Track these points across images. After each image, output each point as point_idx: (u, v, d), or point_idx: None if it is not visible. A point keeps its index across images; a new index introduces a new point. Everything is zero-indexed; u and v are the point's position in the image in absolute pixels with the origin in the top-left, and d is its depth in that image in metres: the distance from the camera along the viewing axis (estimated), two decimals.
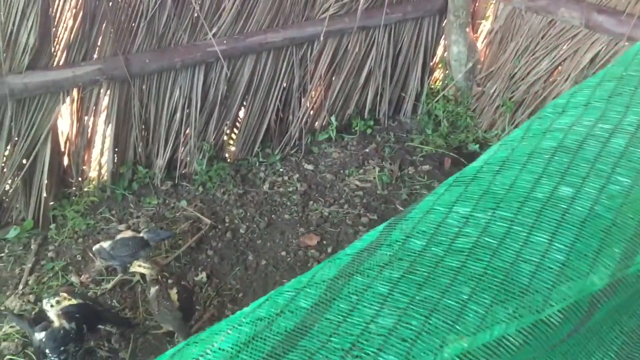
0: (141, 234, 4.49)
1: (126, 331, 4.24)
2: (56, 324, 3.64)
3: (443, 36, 6.72)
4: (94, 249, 4.53)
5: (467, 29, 6.44)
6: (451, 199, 1.37)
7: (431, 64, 6.84)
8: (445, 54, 6.75)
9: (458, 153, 6.24)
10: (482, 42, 6.67)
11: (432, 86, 7.00)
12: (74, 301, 3.73)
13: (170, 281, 4.05)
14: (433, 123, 6.65)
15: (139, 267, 4.10)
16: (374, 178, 5.86)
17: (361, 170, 6.01)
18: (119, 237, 4.45)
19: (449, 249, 1.24)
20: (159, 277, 4.03)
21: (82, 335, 3.75)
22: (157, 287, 4.01)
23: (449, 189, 1.42)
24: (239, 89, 5.73)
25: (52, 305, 3.62)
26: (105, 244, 4.45)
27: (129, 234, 4.50)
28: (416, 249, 1.25)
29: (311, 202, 5.59)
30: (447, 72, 6.78)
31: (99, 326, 4.04)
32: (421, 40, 6.57)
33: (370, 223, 5.27)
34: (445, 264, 1.20)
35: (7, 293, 4.61)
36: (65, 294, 3.66)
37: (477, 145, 6.33)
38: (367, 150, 6.31)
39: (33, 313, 4.27)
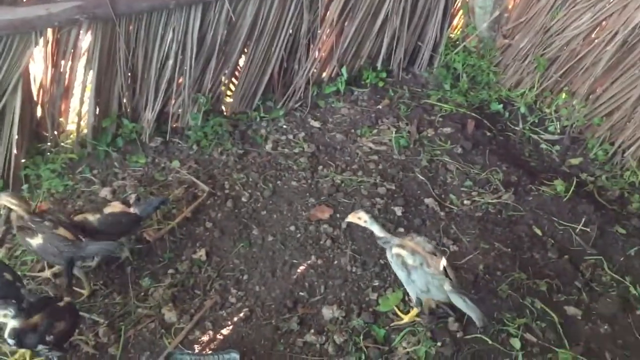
0: (132, 209, 3.85)
1: (115, 322, 3.67)
2: None
3: None
4: (75, 219, 3.85)
5: None
6: None
7: (452, 10, 6.10)
8: None
9: (479, 113, 5.64)
10: None
11: (452, 35, 6.29)
12: None
13: (48, 223, 3.59)
14: (451, 77, 6.00)
15: (7, 202, 3.63)
16: (390, 140, 5.24)
17: (375, 130, 5.38)
18: (107, 211, 3.80)
19: None
20: (31, 224, 3.58)
21: None
22: (39, 235, 3.55)
23: None
24: (241, 33, 4.96)
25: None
26: (91, 217, 3.80)
27: (118, 207, 3.85)
28: None
29: (320, 167, 4.97)
30: (469, 20, 6.07)
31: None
32: None
33: (388, 194, 4.70)
34: None
35: None
36: None
37: (501, 105, 5.74)
38: (379, 106, 5.66)
39: None
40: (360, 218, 3.66)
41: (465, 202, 4.69)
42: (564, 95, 5.58)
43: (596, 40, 5.19)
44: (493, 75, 5.97)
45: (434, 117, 5.57)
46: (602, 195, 4.87)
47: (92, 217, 3.77)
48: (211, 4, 4.69)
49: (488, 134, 5.39)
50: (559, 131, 5.47)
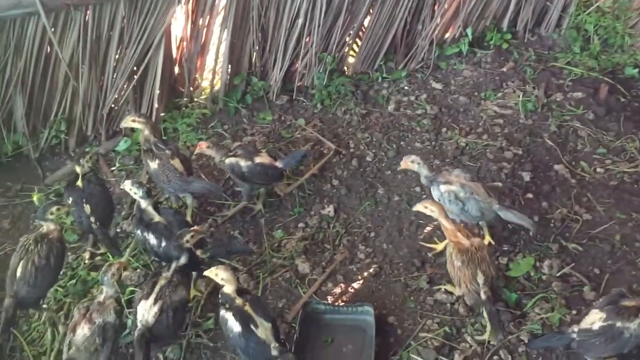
0: (277, 163, 4.00)
1: (253, 270, 3.87)
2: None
3: None
4: (226, 161, 4.02)
5: None
6: None
7: None
8: None
9: (612, 78, 5.35)
10: None
11: None
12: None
13: (168, 152, 3.83)
14: (582, 40, 5.70)
15: (133, 122, 3.89)
16: (516, 104, 5.10)
17: (499, 94, 5.24)
18: (257, 160, 3.97)
19: None
20: (154, 148, 3.85)
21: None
22: (157, 160, 3.82)
23: None
24: None
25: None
26: (243, 162, 3.97)
27: (267, 160, 4.01)
28: None
29: (444, 129, 4.92)
30: None
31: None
32: None
33: (515, 158, 4.60)
34: None
35: (122, 213, 4.29)
36: None
37: (636, 70, 5.40)
38: (504, 69, 5.49)
39: None
40: (413, 162, 3.77)
41: (598, 170, 4.51)
42: None
43: None
44: (628, 38, 5.62)
45: (562, 81, 5.34)
46: None
47: (243, 163, 3.95)
48: None
49: (622, 99, 5.12)
50: None
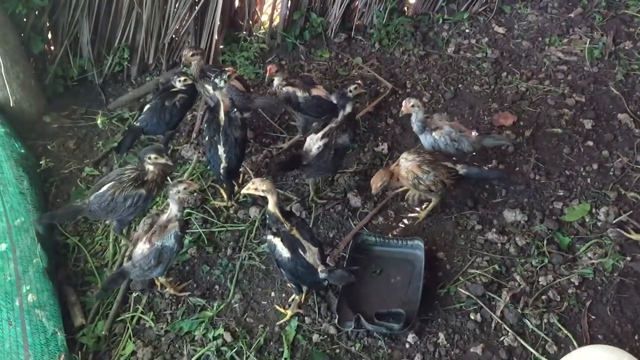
0: (332, 97, 4.00)
1: (306, 200, 3.94)
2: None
3: None
4: (283, 90, 4.02)
5: None
6: None
7: None
8: None
9: None
10: None
11: None
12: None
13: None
14: None
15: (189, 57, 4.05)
16: (581, 51, 4.93)
17: (565, 40, 5.07)
18: (314, 92, 3.98)
19: None
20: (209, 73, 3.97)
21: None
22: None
23: None
24: None
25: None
26: (299, 93, 3.99)
27: (323, 92, 4.02)
28: None
29: (504, 74, 4.82)
30: None
31: None
32: None
33: (577, 106, 4.48)
34: None
35: (180, 140, 4.41)
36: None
37: None
38: (571, 15, 5.29)
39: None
40: (413, 105, 3.71)
41: None
42: None
43: None
44: None
45: (632, 30, 5.12)
46: None
47: (300, 94, 3.98)
48: None
49: None
50: None
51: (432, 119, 3.83)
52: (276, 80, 4.04)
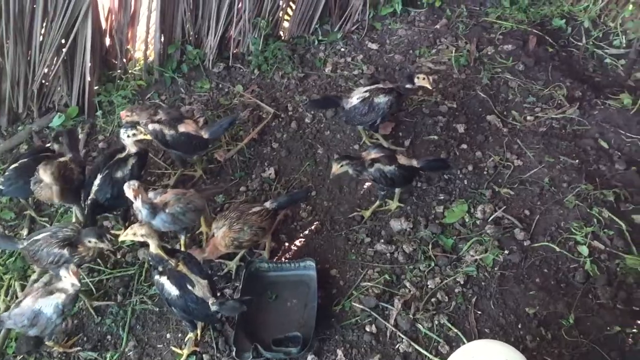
0: (203, 132, 3.97)
1: (195, 236, 3.90)
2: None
3: None
4: (149, 127, 3.89)
5: None
6: None
7: None
8: None
9: (541, 30, 5.50)
10: None
11: None
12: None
13: None
14: None
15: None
16: (449, 59, 5.21)
17: (433, 50, 5.34)
18: (182, 129, 3.92)
19: None
20: None
21: None
22: None
23: None
24: None
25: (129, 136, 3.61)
26: (166, 130, 3.92)
27: (192, 127, 3.97)
28: None
29: None
30: None
31: None
32: None
33: (450, 112, 4.72)
34: None
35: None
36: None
37: (563, 21, 5.56)
38: (437, 26, 5.59)
39: None
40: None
41: (528, 118, 4.67)
42: (630, 7, 5.38)
43: None
44: None
45: (493, 35, 5.47)
46: None
47: (167, 131, 3.90)
48: None
49: (550, 50, 5.28)
50: (624, 45, 5.30)
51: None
52: (140, 121, 3.92)
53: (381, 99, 4.14)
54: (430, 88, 4.30)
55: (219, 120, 4.40)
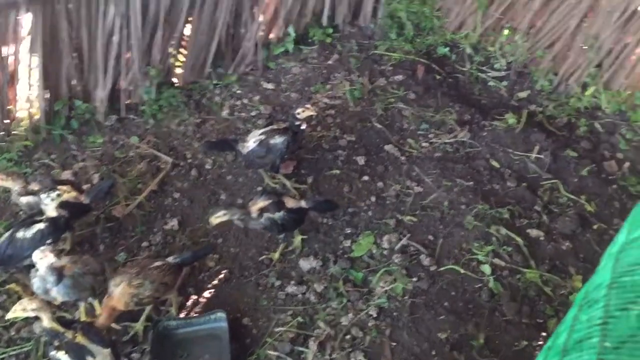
0: (83, 198, 3.79)
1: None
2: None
3: None
4: (23, 201, 3.75)
5: None
6: None
7: None
8: None
9: (428, 58, 5.75)
10: None
11: None
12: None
13: None
14: (396, 26, 6.06)
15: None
16: (344, 94, 5.32)
17: (328, 86, 5.44)
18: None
19: None
20: None
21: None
22: None
23: None
24: (183, 1, 4.90)
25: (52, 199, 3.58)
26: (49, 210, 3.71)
27: (70, 195, 3.73)
28: None
29: None
30: None
31: None
32: None
33: (349, 145, 4.80)
34: None
35: None
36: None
37: (447, 49, 5.86)
38: (330, 62, 5.71)
39: None
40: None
41: (423, 144, 4.83)
42: (506, 32, 5.74)
43: None
44: (437, 20, 6.07)
45: (384, 67, 5.66)
46: (552, 123, 5.10)
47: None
48: None
49: (438, 77, 5.52)
50: (505, 67, 5.64)
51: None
52: (13, 193, 3.73)
53: (277, 140, 4.15)
54: (315, 113, 4.39)
55: (97, 184, 4.22)
